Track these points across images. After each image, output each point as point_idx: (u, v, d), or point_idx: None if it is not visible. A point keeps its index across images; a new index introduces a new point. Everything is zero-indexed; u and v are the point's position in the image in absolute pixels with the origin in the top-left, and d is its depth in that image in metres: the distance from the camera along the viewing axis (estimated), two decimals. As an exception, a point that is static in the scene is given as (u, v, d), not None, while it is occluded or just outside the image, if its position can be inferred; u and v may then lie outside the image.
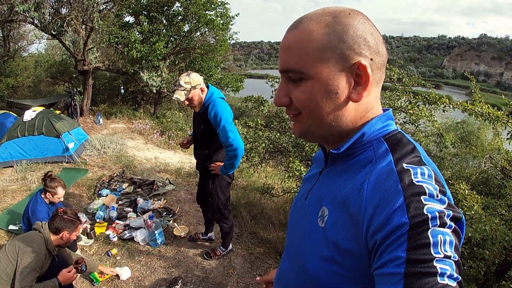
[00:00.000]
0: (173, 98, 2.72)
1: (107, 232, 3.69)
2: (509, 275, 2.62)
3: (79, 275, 2.82)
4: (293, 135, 4.29)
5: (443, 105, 3.22)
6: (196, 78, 2.68)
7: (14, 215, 3.99)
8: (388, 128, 0.73)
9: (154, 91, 9.88)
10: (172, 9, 10.34)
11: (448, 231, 0.54)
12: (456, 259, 0.53)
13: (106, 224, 3.84)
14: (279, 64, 0.73)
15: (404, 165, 0.64)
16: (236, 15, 11.61)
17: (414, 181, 0.60)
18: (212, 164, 2.92)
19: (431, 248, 0.52)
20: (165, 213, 4.27)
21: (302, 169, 3.33)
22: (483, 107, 2.76)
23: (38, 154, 5.82)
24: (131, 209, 4.25)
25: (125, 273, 3.05)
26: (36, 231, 2.48)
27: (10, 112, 8.35)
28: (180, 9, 10.41)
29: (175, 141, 8.41)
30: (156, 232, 3.50)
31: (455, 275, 0.51)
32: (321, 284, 0.71)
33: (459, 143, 5.74)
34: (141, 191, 4.87)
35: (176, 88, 2.69)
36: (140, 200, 4.43)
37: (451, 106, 3.13)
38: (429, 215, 0.54)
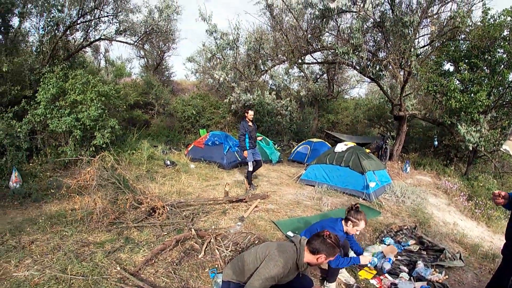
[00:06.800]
0: (501, 149, 2.15)
1: (372, 281, 3.44)
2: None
3: None
4: None
5: None
6: None
7: (296, 225, 4.44)
8: None
9: (470, 148, 8.54)
10: (495, 56, 8.57)
11: None
12: None
13: (374, 272, 3.60)
14: None
15: None
16: None
17: None
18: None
19: None
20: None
21: None
22: None
23: (339, 183, 6.26)
24: (406, 270, 3.74)
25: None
26: (292, 243, 2.50)
27: (326, 142, 9.67)
28: (504, 55, 8.47)
29: (481, 210, 6.94)
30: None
31: None
32: None
33: None
34: (425, 255, 4.21)
35: (509, 137, 2.13)
36: (421, 265, 3.80)
37: None
38: None
